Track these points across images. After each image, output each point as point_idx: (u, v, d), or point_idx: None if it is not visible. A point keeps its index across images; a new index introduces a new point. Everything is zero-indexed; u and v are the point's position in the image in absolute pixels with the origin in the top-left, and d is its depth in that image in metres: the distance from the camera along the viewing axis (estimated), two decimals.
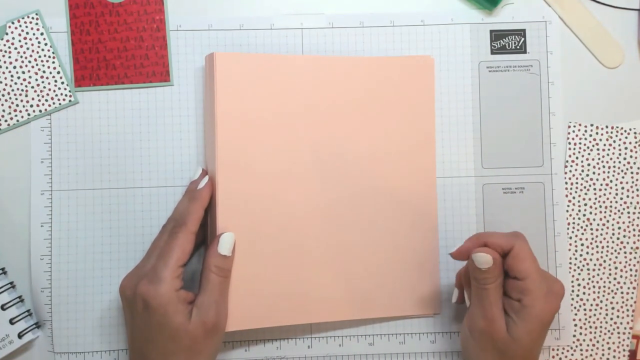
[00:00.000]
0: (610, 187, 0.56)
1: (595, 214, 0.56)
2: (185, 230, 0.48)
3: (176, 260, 0.47)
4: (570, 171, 0.56)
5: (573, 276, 0.56)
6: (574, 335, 0.56)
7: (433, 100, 0.55)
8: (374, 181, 0.53)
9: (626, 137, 0.56)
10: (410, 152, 0.54)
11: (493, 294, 0.48)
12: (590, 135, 0.56)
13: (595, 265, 0.56)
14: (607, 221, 0.56)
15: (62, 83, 0.54)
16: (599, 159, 0.56)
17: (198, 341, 0.47)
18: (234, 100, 0.50)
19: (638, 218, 0.56)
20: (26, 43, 0.54)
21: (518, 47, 0.56)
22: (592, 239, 0.56)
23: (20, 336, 0.52)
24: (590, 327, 0.56)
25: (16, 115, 0.54)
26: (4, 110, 0.54)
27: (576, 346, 0.56)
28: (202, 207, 0.50)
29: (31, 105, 0.54)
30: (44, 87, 0.54)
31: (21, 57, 0.54)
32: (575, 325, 0.56)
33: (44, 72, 0.54)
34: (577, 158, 0.56)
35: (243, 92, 0.50)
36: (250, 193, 0.50)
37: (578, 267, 0.56)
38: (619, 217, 0.56)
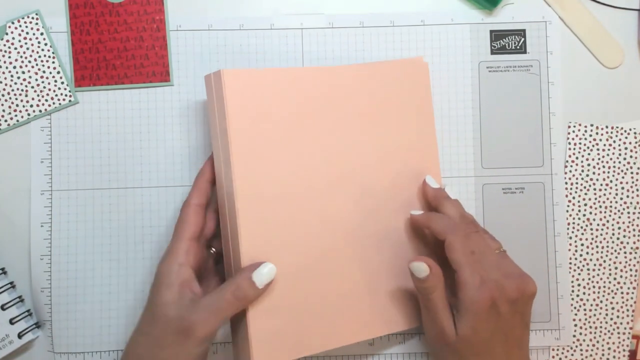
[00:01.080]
0: (610, 187, 0.56)
1: (595, 214, 0.56)
2: (187, 204, 0.48)
3: (180, 232, 0.47)
4: (570, 171, 0.56)
5: (573, 276, 0.56)
6: (574, 335, 0.56)
7: (431, 104, 0.54)
8: (387, 192, 0.51)
9: (626, 137, 0.56)
10: (414, 160, 0.53)
11: (438, 303, 0.47)
12: (590, 135, 0.56)
13: (595, 265, 0.56)
14: (607, 221, 0.56)
15: (62, 83, 0.54)
16: (599, 159, 0.56)
17: (167, 335, 0.44)
18: (245, 118, 0.47)
19: (638, 218, 0.56)
20: (26, 43, 0.54)
21: (518, 47, 0.56)
22: (592, 239, 0.56)
23: (20, 336, 0.52)
24: (590, 327, 0.56)
25: (16, 115, 0.54)
26: (4, 110, 0.54)
27: (576, 346, 0.56)
28: (205, 180, 0.49)
29: (31, 105, 0.54)
30: (44, 87, 0.54)
31: (21, 57, 0.54)
32: (575, 325, 0.56)
33: (44, 72, 0.54)
34: (577, 158, 0.56)
35: (253, 109, 0.48)
36: (270, 214, 0.48)
37: (578, 267, 0.56)
38: (619, 217, 0.56)
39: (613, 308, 0.56)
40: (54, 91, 0.54)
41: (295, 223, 0.48)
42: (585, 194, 0.56)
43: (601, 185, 0.56)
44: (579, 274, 0.56)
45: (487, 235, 0.50)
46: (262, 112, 0.48)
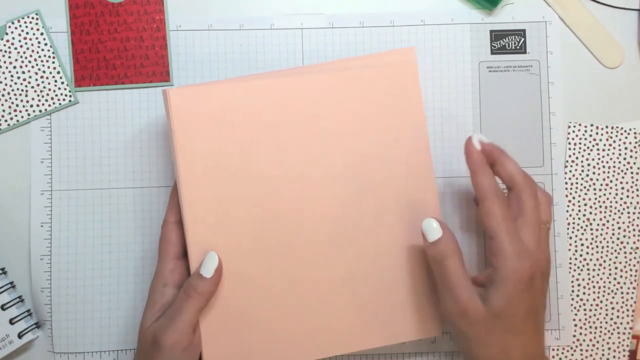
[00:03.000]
0: (610, 187, 0.56)
1: (595, 214, 0.56)
2: (165, 223, 0.48)
3: (163, 252, 0.48)
4: (570, 171, 0.56)
5: (573, 276, 0.56)
6: (574, 335, 0.56)
7: (421, 109, 0.49)
8: (368, 203, 0.49)
9: (626, 137, 0.56)
10: (406, 168, 0.49)
11: (455, 272, 0.43)
12: (590, 135, 0.56)
13: (595, 265, 0.56)
14: (607, 221, 0.56)
15: (62, 83, 0.54)
16: (599, 159, 0.56)
17: (147, 351, 0.45)
18: (192, 137, 0.46)
19: (638, 218, 0.56)
20: (26, 43, 0.54)
21: (518, 47, 0.56)
22: (592, 239, 0.56)
23: (20, 336, 0.52)
24: (590, 327, 0.56)
25: (16, 115, 0.54)
26: (4, 110, 0.54)
27: (576, 346, 0.56)
28: (177, 197, 0.48)
29: (31, 105, 0.54)
30: (44, 87, 0.54)
31: (21, 57, 0.54)
32: (575, 325, 0.56)
33: (44, 72, 0.54)
34: (577, 158, 0.56)
35: (201, 128, 0.46)
36: (221, 228, 0.47)
37: (578, 267, 0.56)
38: (619, 217, 0.56)
39: (613, 308, 0.56)
40: (54, 91, 0.54)
41: (252, 242, 0.47)
42: (585, 194, 0.56)
43: (601, 185, 0.56)
44: (579, 274, 0.56)
45: (544, 206, 0.47)
46: (214, 129, 0.46)
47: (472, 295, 0.43)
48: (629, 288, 0.56)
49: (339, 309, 0.49)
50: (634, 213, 0.56)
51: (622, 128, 0.56)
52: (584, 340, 0.56)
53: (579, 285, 0.56)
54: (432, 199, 0.50)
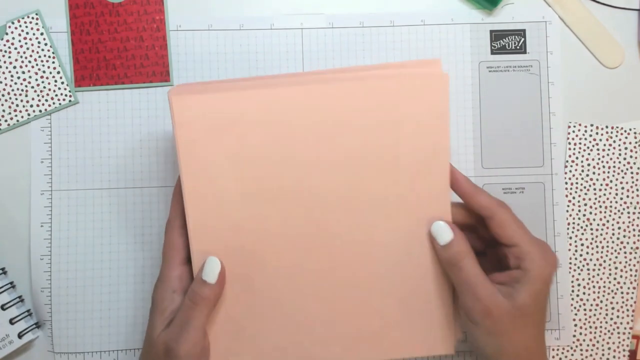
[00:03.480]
0: (610, 187, 0.56)
1: (595, 214, 0.56)
2: (170, 227, 0.47)
3: (170, 258, 0.47)
4: (570, 171, 0.56)
5: (573, 276, 0.56)
6: (574, 335, 0.56)
7: (447, 132, 0.46)
8: (379, 215, 0.47)
9: (626, 137, 0.56)
10: (420, 183, 0.46)
11: (473, 271, 0.44)
12: (590, 135, 0.56)
13: (595, 265, 0.56)
14: (607, 221, 0.56)
15: (62, 83, 0.55)
16: (599, 159, 0.56)
17: (159, 358, 0.45)
18: (196, 144, 0.45)
19: (638, 218, 0.56)
20: (26, 43, 0.54)
21: (518, 47, 0.56)
22: (592, 239, 0.56)
23: (20, 336, 0.53)
24: (590, 327, 0.56)
25: (16, 115, 0.54)
26: (4, 110, 0.54)
27: (576, 346, 0.56)
28: (181, 200, 0.47)
29: (31, 105, 0.54)
30: (44, 87, 0.54)
31: (21, 57, 0.54)
32: (575, 325, 0.56)
33: (44, 72, 0.54)
34: (577, 158, 0.56)
35: (205, 135, 0.45)
36: (230, 243, 0.46)
37: (578, 267, 0.56)
38: (619, 217, 0.56)
39: (613, 308, 0.56)
40: (54, 91, 0.54)
41: (256, 249, 0.47)
42: (585, 194, 0.56)
43: (601, 185, 0.56)
44: (579, 274, 0.56)
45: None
46: (218, 136, 0.45)
47: (494, 292, 0.44)
48: (629, 288, 0.56)
49: (344, 317, 0.48)
50: (634, 213, 0.56)
51: (622, 128, 0.56)
52: (584, 340, 0.56)
53: (579, 285, 0.56)
54: (445, 214, 0.47)
